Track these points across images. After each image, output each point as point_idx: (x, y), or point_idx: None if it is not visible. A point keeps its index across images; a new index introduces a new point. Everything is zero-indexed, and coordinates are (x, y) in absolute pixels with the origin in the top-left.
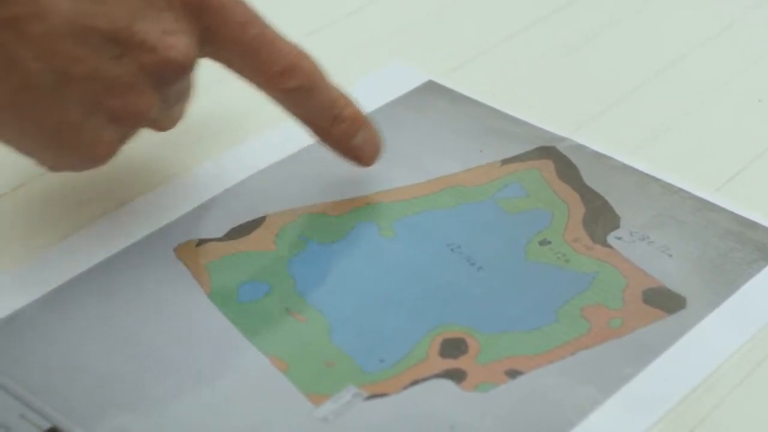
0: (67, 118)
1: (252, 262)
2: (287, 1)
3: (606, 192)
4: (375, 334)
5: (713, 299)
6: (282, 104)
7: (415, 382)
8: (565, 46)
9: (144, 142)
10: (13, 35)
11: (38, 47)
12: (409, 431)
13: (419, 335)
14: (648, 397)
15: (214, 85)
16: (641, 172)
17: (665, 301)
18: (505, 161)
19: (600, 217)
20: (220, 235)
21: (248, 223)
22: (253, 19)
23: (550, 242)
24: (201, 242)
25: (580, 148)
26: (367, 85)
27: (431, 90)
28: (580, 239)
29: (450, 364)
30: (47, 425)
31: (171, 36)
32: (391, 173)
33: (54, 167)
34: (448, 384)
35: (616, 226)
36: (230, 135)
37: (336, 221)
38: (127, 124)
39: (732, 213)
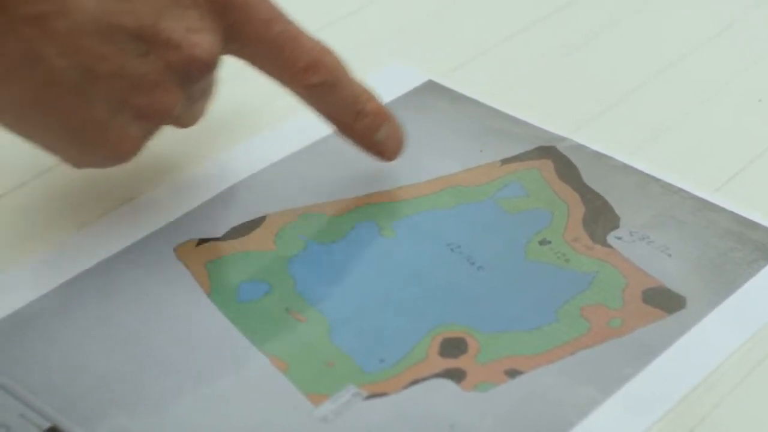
0: (92, 115)
1: (252, 261)
2: (287, 2)
3: (606, 192)
4: (375, 333)
5: (713, 299)
6: (305, 100)
7: (414, 382)
8: (565, 46)
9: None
10: (38, 32)
11: (63, 44)
12: (408, 431)
13: (419, 335)
14: (648, 397)
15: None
16: (641, 172)
17: (665, 301)
18: (505, 161)
19: (600, 217)
20: (220, 234)
21: (248, 222)
22: (276, 16)
23: (550, 242)
24: (201, 242)
25: (580, 148)
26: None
27: (431, 90)
28: (579, 239)
29: (450, 363)
30: (47, 425)
31: (196, 34)
32: (391, 173)
33: (78, 164)
34: (447, 384)
35: (616, 226)
36: (230, 135)
37: (336, 221)
38: (153, 121)
39: (732, 213)
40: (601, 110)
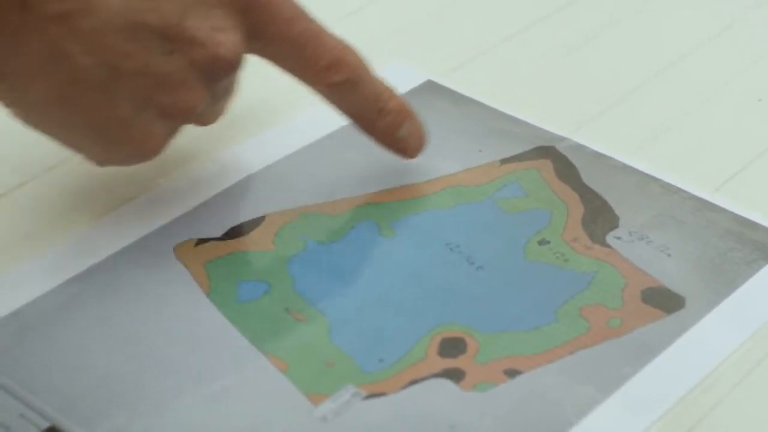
0: (117, 113)
1: (251, 261)
2: None
3: (605, 192)
4: (374, 333)
5: (712, 299)
6: (328, 98)
7: (414, 382)
8: (565, 46)
9: None
10: (63, 30)
11: (88, 42)
12: (408, 431)
13: (418, 335)
14: (647, 397)
15: None
16: (641, 172)
17: (664, 301)
18: (504, 161)
19: (599, 217)
20: (219, 234)
21: (247, 222)
22: (299, 15)
23: (549, 242)
24: (200, 242)
25: (580, 148)
26: None
27: (431, 90)
28: (579, 239)
29: (449, 363)
30: (47, 425)
31: (220, 32)
32: (391, 173)
33: (102, 162)
34: (447, 383)
35: (615, 226)
36: (228, 135)
37: (335, 221)
38: (176, 119)
39: (731, 213)
40: (601, 110)
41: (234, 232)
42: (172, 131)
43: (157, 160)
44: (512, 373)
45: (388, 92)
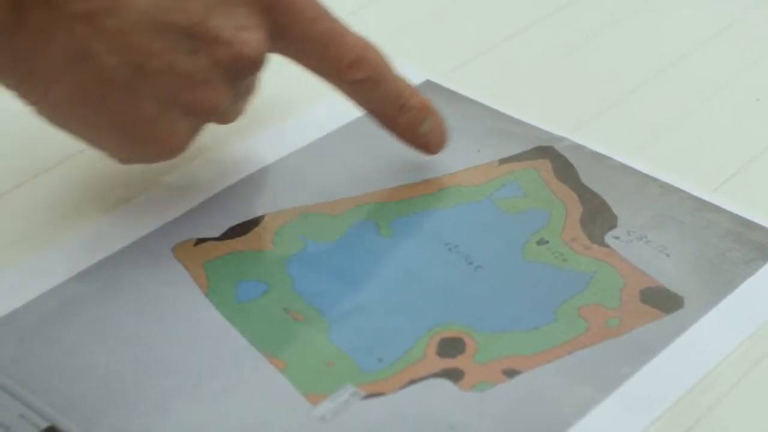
0: (141, 112)
1: (250, 261)
2: None
3: (604, 192)
4: (373, 333)
5: (711, 299)
6: (350, 96)
7: (412, 382)
8: (565, 46)
9: None
10: (89, 29)
11: (114, 42)
12: (407, 430)
13: (417, 334)
14: (645, 397)
15: None
16: (639, 172)
17: (663, 301)
18: (503, 161)
19: (597, 217)
20: (217, 234)
21: (246, 222)
22: (322, 14)
23: (547, 242)
24: (199, 242)
25: (578, 148)
26: None
27: (430, 90)
28: (577, 239)
29: (448, 363)
30: (46, 425)
31: (244, 32)
32: (389, 173)
33: (126, 160)
34: (445, 383)
35: (614, 226)
36: (227, 135)
37: (334, 221)
38: (201, 117)
39: (730, 213)
40: (601, 110)
41: (233, 232)
42: (195, 129)
43: None
44: (511, 373)
45: (410, 89)
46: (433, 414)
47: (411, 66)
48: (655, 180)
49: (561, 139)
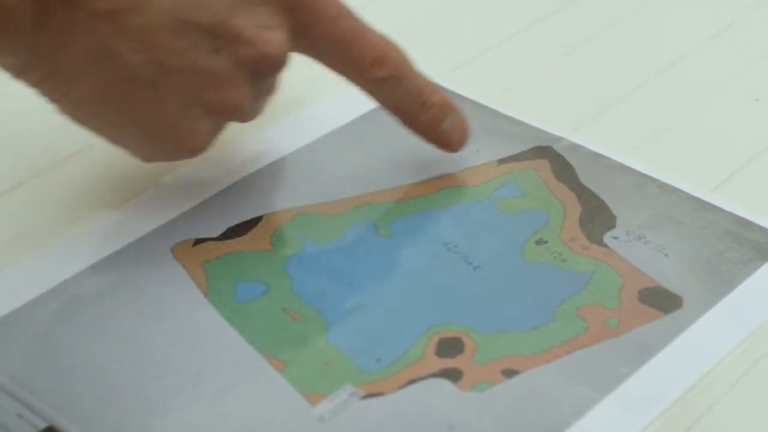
0: (164, 110)
1: (249, 261)
2: None
3: (603, 192)
4: (372, 333)
5: (709, 299)
6: (372, 94)
7: (411, 382)
8: (564, 46)
9: None
10: (111, 28)
11: (137, 40)
12: (406, 430)
13: (416, 335)
14: (644, 397)
15: None
16: (638, 172)
17: (661, 301)
18: (502, 161)
19: (596, 217)
20: (216, 234)
21: (245, 222)
22: (344, 13)
23: (546, 242)
24: (198, 242)
25: (577, 148)
26: None
27: None
28: (576, 239)
29: (446, 363)
30: (45, 425)
31: (267, 31)
32: (388, 173)
33: (147, 158)
34: (444, 383)
35: (613, 226)
36: (225, 135)
37: (332, 221)
38: (223, 116)
39: (729, 213)
40: (601, 110)
41: (232, 232)
42: (217, 128)
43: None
44: (510, 373)
45: (431, 87)
46: (431, 414)
47: None
48: (654, 180)
49: (560, 139)
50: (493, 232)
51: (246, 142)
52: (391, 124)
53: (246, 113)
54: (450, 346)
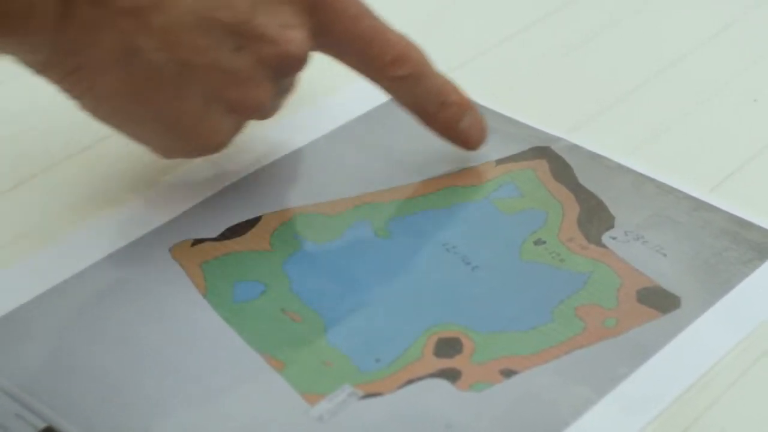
0: (186, 107)
1: (247, 262)
2: None
3: (601, 192)
4: (370, 333)
5: (707, 299)
6: (391, 92)
7: (410, 382)
8: (564, 46)
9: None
10: (136, 25)
11: (160, 38)
12: (404, 430)
13: (415, 335)
14: (642, 397)
15: None
16: (636, 172)
17: (659, 301)
18: (500, 161)
19: (594, 217)
20: (215, 235)
21: (243, 222)
22: (364, 12)
23: (544, 242)
24: (196, 242)
25: (575, 148)
26: (365, 85)
27: None
28: (574, 239)
29: (445, 363)
30: (43, 425)
31: (289, 30)
32: (387, 173)
33: (168, 155)
34: (443, 383)
35: (611, 226)
36: None
37: (331, 221)
38: (244, 114)
39: (727, 213)
40: (599, 110)
41: (231, 233)
42: (239, 126)
43: (154, 159)
44: (508, 373)
45: (450, 86)
46: (430, 414)
47: None
48: (652, 180)
49: (558, 139)
50: (491, 233)
51: (244, 142)
52: (389, 125)
53: (266, 111)
54: (448, 346)
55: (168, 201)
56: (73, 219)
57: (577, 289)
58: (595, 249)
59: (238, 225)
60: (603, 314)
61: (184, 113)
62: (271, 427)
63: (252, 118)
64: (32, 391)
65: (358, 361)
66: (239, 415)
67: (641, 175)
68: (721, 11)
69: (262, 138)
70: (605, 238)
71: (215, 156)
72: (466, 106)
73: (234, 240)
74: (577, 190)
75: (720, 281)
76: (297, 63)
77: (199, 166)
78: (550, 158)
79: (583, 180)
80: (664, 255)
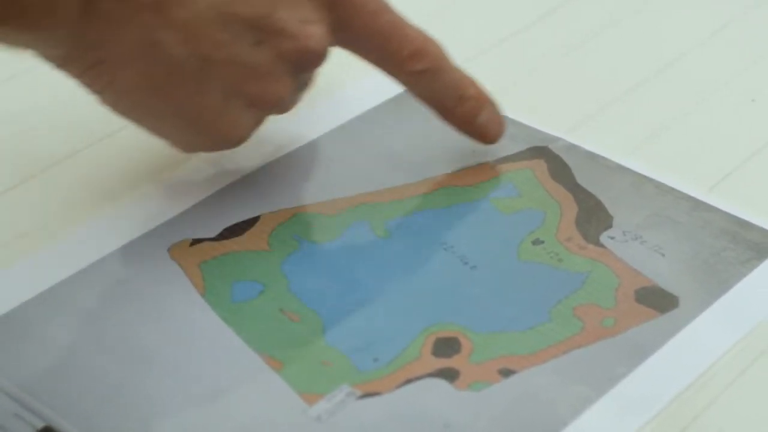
0: (206, 102)
1: (246, 261)
2: None
3: (599, 192)
4: (369, 333)
5: (706, 298)
6: (409, 87)
7: (408, 381)
8: (564, 46)
9: (137, 141)
10: (157, 20)
11: (181, 32)
12: (402, 430)
13: (413, 334)
14: (640, 396)
15: None
16: (635, 172)
17: (658, 301)
18: (498, 161)
19: (593, 217)
20: (213, 234)
21: (242, 222)
22: (383, 7)
23: (543, 242)
24: (195, 242)
25: (573, 148)
26: (363, 85)
27: None
28: (572, 239)
29: (443, 363)
30: (42, 425)
31: (309, 25)
32: (385, 173)
33: (187, 149)
34: (441, 383)
35: (609, 226)
36: None
37: (330, 221)
38: (263, 109)
39: (726, 213)
40: (598, 110)
41: (229, 233)
42: (258, 120)
43: (153, 159)
44: (506, 373)
45: (468, 80)
46: (428, 413)
47: None
48: (651, 180)
49: (556, 139)
50: (489, 232)
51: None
52: (387, 125)
53: (286, 106)
54: (447, 346)
55: (166, 201)
56: (73, 219)
57: (576, 289)
58: (593, 249)
59: (236, 225)
60: (601, 314)
61: (204, 108)
62: (269, 427)
63: (271, 113)
64: (31, 390)
65: (357, 360)
66: (238, 415)
67: (640, 174)
68: (720, 11)
69: (261, 138)
70: (603, 237)
71: (214, 155)
72: (484, 101)
73: (232, 240)
74: (576, 190)
75: (718, 281)
76: (316, 58)
77: (197, 166)
78: (549, 158)
79: (581, 180)
80: (663, 255)
